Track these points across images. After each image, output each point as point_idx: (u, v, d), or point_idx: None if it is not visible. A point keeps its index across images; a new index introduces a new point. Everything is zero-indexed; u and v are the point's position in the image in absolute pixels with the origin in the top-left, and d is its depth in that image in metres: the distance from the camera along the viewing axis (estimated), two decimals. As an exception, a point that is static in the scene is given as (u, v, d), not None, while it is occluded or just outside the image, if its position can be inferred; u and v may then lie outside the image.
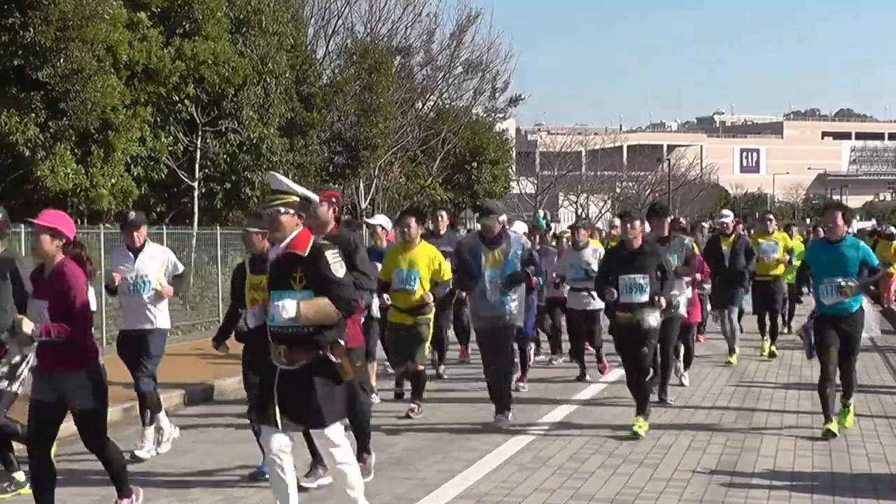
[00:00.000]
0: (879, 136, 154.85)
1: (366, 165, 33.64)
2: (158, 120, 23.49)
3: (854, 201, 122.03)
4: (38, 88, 20.03)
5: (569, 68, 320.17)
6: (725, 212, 18.31)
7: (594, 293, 13.09)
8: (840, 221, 10.58)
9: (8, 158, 20.29)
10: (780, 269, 17.13)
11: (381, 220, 13.62)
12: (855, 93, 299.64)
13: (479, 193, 42.88)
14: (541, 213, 45.32)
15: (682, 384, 13.79)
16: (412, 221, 11.56)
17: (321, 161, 31.98)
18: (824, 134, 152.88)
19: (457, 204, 42.34)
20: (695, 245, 13.98)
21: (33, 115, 19.83)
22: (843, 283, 10.25)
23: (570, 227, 16.21)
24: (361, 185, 36.24)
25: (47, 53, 19.77)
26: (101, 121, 20.69)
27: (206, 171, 25.38)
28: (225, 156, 25.28)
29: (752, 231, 21.92)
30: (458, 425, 11.22)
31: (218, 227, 23.10)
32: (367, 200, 36.74)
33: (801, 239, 26.89)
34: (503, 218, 11.53)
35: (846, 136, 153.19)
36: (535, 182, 64.72)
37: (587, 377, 14.50)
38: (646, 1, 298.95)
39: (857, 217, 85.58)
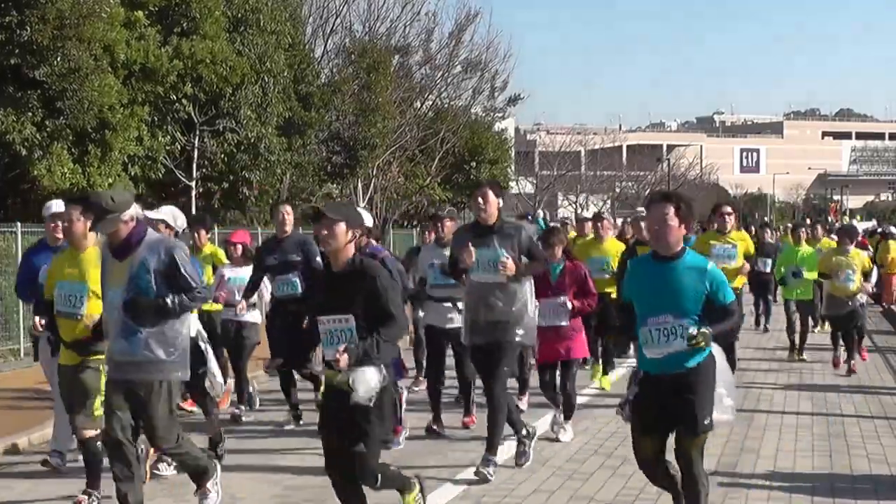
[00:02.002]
0: (880, 136, 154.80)
1: (364, 165, 33.61)
2: (156, 119, 23.47)
3: (854, 201, 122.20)
4: (35, 87, 20.01)
5: (568, 68, 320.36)
6: (642, 208, 14.22)
7: None
8: (673, 219, 6.68)
9: (5, 157, 20.28)
10: (740, 281, 13.02)
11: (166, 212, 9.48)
12: (855, 93, 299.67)
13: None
14: (540, 213, 45.29)
15: (557, 439, 10.65)
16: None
17: (319, 161, 31.95)
18: (824, 134, 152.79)
19: (455, 204, 42.31)
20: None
21: (30, 113, 19.82)
22: (693, 332, 6.55)
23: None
24: (360, 185, 36.20)
25: (44, 52, 19.76)
26: (99, 120, 20.67)
27: (204, 170, 25.35)
28: (222, 155, 25.27)
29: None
30: (458, 426, 11.15)
31: (216, 227, 23.05)
32: (366, 200, 36.69)
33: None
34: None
35: (846, 135, 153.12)
36: (535, 182, 64.72)
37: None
38: (646, 1, 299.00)
39: (858, 217, 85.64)
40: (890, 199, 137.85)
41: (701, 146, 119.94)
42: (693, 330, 6.59)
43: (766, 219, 64.78)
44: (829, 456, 9.81)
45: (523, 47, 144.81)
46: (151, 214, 8.81)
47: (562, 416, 10.70)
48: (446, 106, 41.40)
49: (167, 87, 23.31)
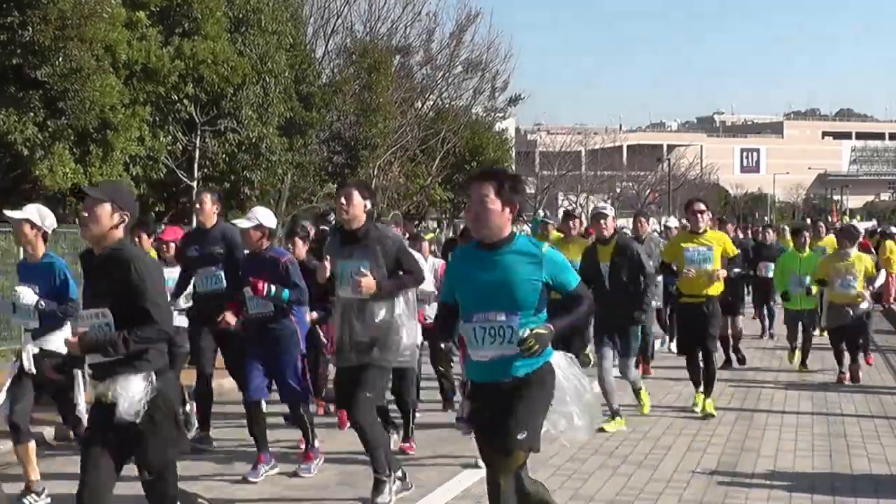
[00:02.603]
0: (880, 136, 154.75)
1: (365, 165, 33.60)
2: (157, 119, 23.46)
3: (854, 201, 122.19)
4: (37, 87, 20.01)
5: (568, 68, 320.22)
6: (603, 203, 12.82)
7: None
8: (494, 201, 5.74)
9: (6, 157, 20.28)
10: (717, 289, 11.86)
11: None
12: (855, 93, 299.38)
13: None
14: (541, 213, 45.22)
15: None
16: None
17: (320, 161, 31.95)
18: (824, 134, 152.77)
19: (456, 204, 42.32)
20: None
21: (32, 114, 19.81)
22: (524, 333, 5.55)
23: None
24: (361, 185, 36.17)
25: (46, 52, 19.75)
26: (100, 120, 20.66)
27: (205, 170, 25.35)
28: (224, 155, 25.26)
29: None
30: (456, 427, 11.16)
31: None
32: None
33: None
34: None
35: (846, 135, 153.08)
36: (535, 182, 64.71)
37: None
38: (646, 0, 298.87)
39: (858, 217, 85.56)
40: (890, 199, 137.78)
41: (701, 146, 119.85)
42: (524, 331, 5.55)
43: (766, 219, 64.67)
44: (830, 455, 9.83)
45: (524, 47, 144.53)
46: (15, 214, 8.31)
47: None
48: (447, 106, 41.39)
49: (169, 87, 23.30)
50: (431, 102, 41.35)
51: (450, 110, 41.00)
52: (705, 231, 11.95)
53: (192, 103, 23.99)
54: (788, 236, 18.70)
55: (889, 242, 22.88)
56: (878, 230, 29.95)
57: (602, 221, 11.25)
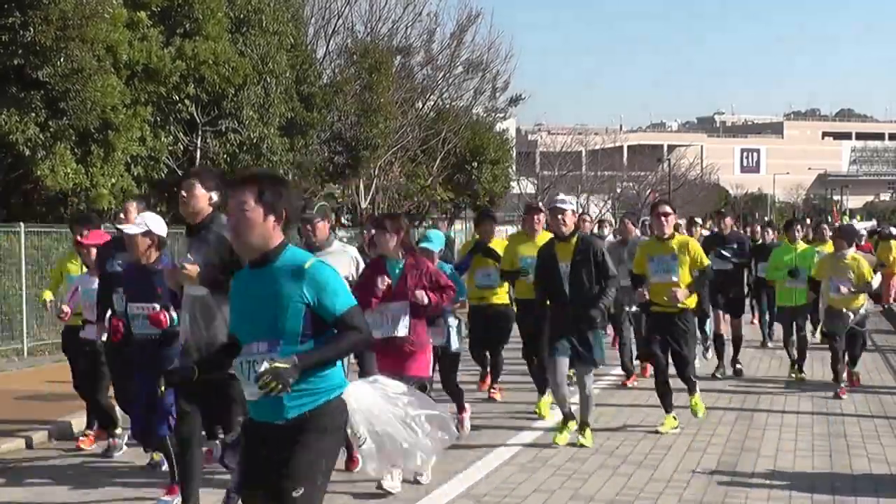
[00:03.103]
0: (880, 137, 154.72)
1: (366, 165, 33.62)
2: (158, 119, 23.48)
3: (854, 201, 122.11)
4: (38, 88, 20.01)
5: (569, 68, 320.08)
6: (562, 196, 11.02)
7: None
8: (254, 209, 4.94)
9: (8, 158, 20.29)
10: (691, 301, 10.95)
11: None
12: (855, 93, 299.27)
13: (479, 193, 42.86)
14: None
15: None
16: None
17: (321, 161, 31.96)
18: (825, 134, 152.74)
19: (457, 204, 42.33)
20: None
21: (33, 114, 19.82)
22: (264, 367, 4.69)
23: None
24: (361, 185, 36.22)
25: (47, 53, 19.75)
26: (101, 120, 20.68)
27: (206, 170, 25.35)
28: (225, 155, 25.27)
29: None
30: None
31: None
32: (368, 200, 36.71)
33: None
34: None
35: (846, 136, 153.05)
36: (536, 182, 64.71)
37: None
38: (647, 0, 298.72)
39: (858, 217, 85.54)
40: (890, 199, 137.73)
41: (701, 146, 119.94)
42: (264, 365, 4.69)
43: (767, 218, 64.58)
44: (829, 455, 9.84)
45: (524, 48, 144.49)
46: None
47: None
48: (448, 106, 41.38)
49: (170, 87, 23.32)
50: (432, 103, 41.34)
51: (450, 111, 41.00)
52: (672, 236, 10.90)
53: (194, 104, 24.01)
54: (785, 233, 18.32)
55: (892, 242, 22.85)
56: (878, 231, 29.91)
57: (559, 216, 10.09)
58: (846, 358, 13.63)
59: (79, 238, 10.25)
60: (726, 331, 15.36)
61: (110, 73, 21.05)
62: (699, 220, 17.65)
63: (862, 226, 34.48)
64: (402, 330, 8.64)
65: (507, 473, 9.14)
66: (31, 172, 20.22)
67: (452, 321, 10.10)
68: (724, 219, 15.82)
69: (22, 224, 18.47)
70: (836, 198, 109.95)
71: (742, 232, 19.99)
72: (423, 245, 9.90)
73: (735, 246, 15.25)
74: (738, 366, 15.27)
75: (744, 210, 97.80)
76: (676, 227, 11.56)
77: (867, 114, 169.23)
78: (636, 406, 12.45)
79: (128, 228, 8.16)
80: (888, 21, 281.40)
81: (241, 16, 25.91)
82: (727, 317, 15.33)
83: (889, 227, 26.21)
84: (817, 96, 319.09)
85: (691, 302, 10.90)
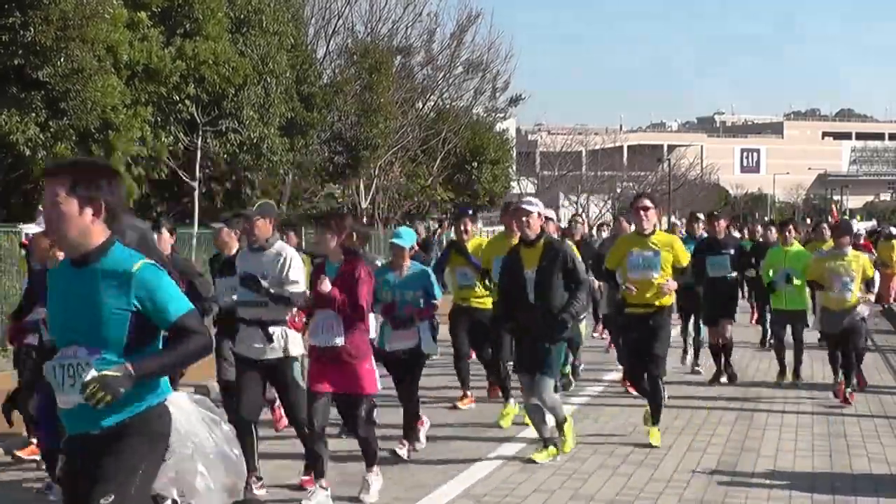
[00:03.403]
0: (880, 137, 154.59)
1: (366, 165, 33.64)
2: (159, 120, 23.49)
3: (854, 202, 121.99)
4: (39, 88, 20.03)
5: (569, 68, 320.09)
6: (529, 198, 10.34)
7: None
8: (68, 201, 4.46)
9: (8, 158, 20.31)
10: (668, 300, 10.39)
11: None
12: (855, 93, 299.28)
13: (479, 193, 42.87)
14: (551, 216, 45.23)
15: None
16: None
17: (321, 161, 31.99)
18: (825, 134, 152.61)
19: (457, 204, 42.34)
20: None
21: (33, 114, 19.83)
22: (89, 377, 4.34)
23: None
24: (362, 185, 36.22)
25: (48, 53, 19.77)
26: (102, 120, 20.69)
27: (207, 170, 25.39)
28: (225, 155, 25.29)
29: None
30: (458, 426, 11.18)
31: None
32: (368, 200, 36.71)
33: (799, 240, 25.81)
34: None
35: (846, 136, 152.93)
36: (536, 182, 64.75)
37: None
38: (647, 0, 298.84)
39: (858, 217, 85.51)
40: (890, 199, 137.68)
41: (701, 146, 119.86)
42: (89, 374, 4.34)
43: (767, 218, 64.18)
44: (830, 455, 9.81)
45: (525, 48, 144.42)
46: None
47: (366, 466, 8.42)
48: (448, 106, 41.41)
49: (170, 87, 23.34)
50: (432, 103, 41.38)
51: (451, 111, 41.03)
52: (653, 232, 10.25)
53: (194, 104, 24.02)
54: (778, 233, 17.79)
55: (893, 242, 22.79)
56: (878, 230, 29.87)
57: (524, 219, 9.31)
58: (854, 359, 12.81)
59: (24, 240, 9.98)
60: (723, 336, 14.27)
61: (110, 73, 21.07)
62: (701, 216, 16.20)
63: (862, 226, 34.32)
64: (338, 339, 8.01)
65: (506, 473, 9.11)
66: (32, 172, 20.22)
67: (425, 324, 9.70)
68: (718, 221, 14.59)
69: (22, 224, 18.46)
70: (836, 198, 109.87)
71: (737, 235, 19.41)
72: (393, 241, 9.82)
73: (732, 252, 14.35)
74: (730, 370, 14.30)
75: (744, 210, 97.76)
76: (673, 227, 11.45)
77: (867, 114, 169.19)
78: (636, 406, 12.43)
79: (29, 227, 7.84)
80: (889, 21, 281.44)
81: (242, 16, 25.93)
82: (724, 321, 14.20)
83: (889, 227, 26.18)
84: (817, 96, 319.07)
85: (667, 300, 10.28)
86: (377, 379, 8.29)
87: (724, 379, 14.18)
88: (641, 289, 10.12)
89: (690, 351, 15.27)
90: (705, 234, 15.31)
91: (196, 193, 25.07)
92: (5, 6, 19.61)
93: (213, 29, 24.12)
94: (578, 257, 9.75)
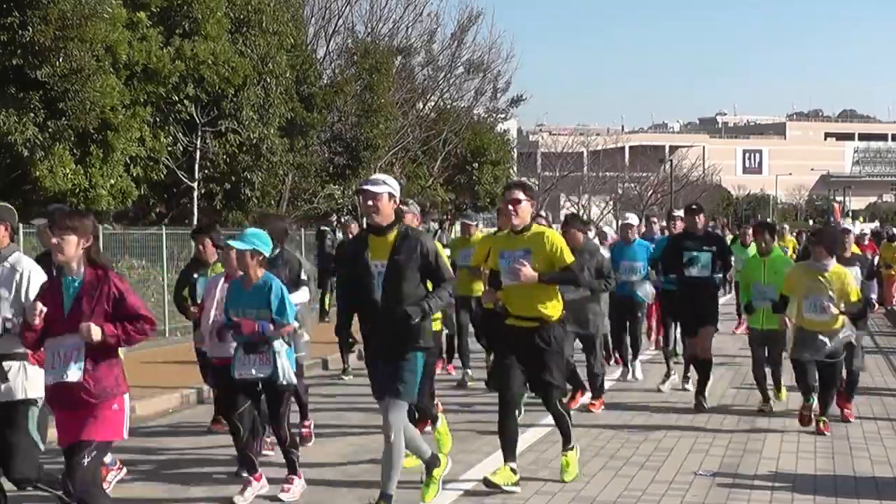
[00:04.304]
0: (883, 137, 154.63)
1: (366, 166, 33.57)
2: (158, 120, 23.47)
3: (857, 203, 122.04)
4: (37, 88, 20.00)
5: (570, 68, 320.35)
6: (378, 175, 8.38)
7: None
8: None
9: (6, 158, 20.28)
10: (555, 308, 8.62)
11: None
12: (858, 94, 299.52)
13: (479, 194, 42.84)
14: (542, 214, 45.21)
15: None
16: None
17: (321, 162, 31.93)
18: (827, 135, 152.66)
19: (458, 205, 42.29)
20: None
21: (32, 114, 19.81)
22: None
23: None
24: (362, 186, 36.15)
25: (46, 53, 19.75)
26: (101, 121, 20.67)
27: (206, 171, 25.34)
28: (224, 156, 25.25)
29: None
30: (458, 427, 11.12)
31: (217, 228, 23.04)
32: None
33: (793, 244, 25.44)
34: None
35: (849, 136, 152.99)
36: (537, 183, 64.62)
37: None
38: (648, 1, 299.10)
39: (861, 218, 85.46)
40: (893, 200, 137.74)
41: (703, 147, 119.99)
42: None
43: (768, 220, 63.66)
44: (832, 457, 9.77)
45: (526, 48, 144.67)
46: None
47: None
48: (448, 107, 41.38)
49: (169, 87, 23.31)
50: (433, 103, 41.35)
51: (451, 111, 41.00)
52: (528, 227, 8.47)
53: (193, 104, 23.99)
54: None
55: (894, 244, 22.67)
56: (880, 232, 29.65)
57: (371, 202, 7.57)
58: (821, 395, 10.94)
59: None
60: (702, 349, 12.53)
61: (109, 73, 21.04)
62: (679, 213, 14.19)
63: (865, 227, 34.12)
64: (73, 373, 6.33)
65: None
66: (30, 173, 20.21)
67: (280, 346, 8.16)
68: (698, 215, 12.58)
69: (21, 225, 18.38)
70: (838, 199, 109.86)
71: (720, 231, 17.84)
72: (230, 243, 8.23)
73: (714, 250, 12.45)
74: (701, 397, 12.37)
75: (746, 211, 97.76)
76: (659, 227, 10.93)
77: (870, 114, 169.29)
78: (638, 410, 12.37)
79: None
80: (891, 21, 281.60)
81: (241, 16, 25.90)
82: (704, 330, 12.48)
83: (892, 229, 26.09)
84: (820, 97, 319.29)
85: (554, 311, 8.58)
86: (124, 425, 6.58)
87: (712, 403, 12.57)
88: (517, 298, 8.45)
89: (674, 374, 13.88)
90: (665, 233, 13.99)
91: (195, 194, 25.03)
92: (3, 6, 19.59)
93: (212, 29, 24.08)
94: (442, 251, 8.33)
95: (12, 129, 19.47)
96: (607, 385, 13.30)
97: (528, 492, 8.52)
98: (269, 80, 25.86)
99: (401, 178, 37.61)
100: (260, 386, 8.24)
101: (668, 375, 13.86)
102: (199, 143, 24.67)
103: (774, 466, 9.42)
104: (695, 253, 12.32)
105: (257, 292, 8.07)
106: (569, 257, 8.52)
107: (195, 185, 24.88)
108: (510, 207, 8.52)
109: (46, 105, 20.12)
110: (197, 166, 24.87)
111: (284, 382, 8.16)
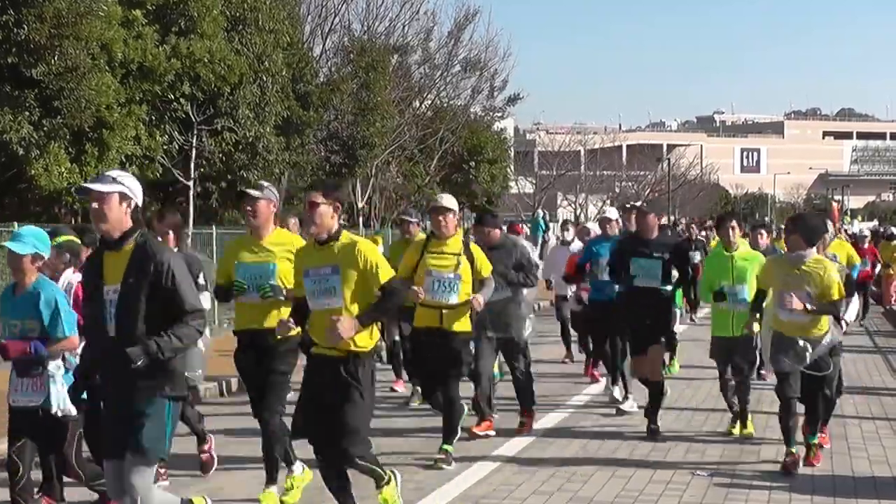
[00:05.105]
0: (881, 136, 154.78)
1: (363, 165, 33.55)
2: (153, 118, 23.41)
3: (856, 202, 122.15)
4: (32, 86, 19.97)
5: (568, 67, 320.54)
6: (113, 173, 6.79)
7: None
8: None
9: (1, 157, 20.24)
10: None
11: None
12: (856, 92, 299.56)
13: (476, 193, 42.81)
14: (539, 212, 45.15)
15: None
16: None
17: (317, 160, 31.87)
18: (825, 133, 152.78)
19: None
20: None
21: (27, 113, 19.77)
22: None
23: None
24: (358, 185, 36.13)
25: (41, 51, 19.72)
26: (96, 119, 20.63)
27: (202, 170, 25.28)
28: (220, 155, 25.19)
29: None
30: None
31: (214, 227, 22.98)
32: (364, 200, 36.63)
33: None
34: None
35: (847, 135, 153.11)
36: (534, 182, 64.59)
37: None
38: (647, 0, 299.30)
39: (859, 217, 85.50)
40: (891, 199, 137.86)
41: (701, 146, 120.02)
42: None
43: (765, 219, 62.83)
44: (830, 457, 9.72)
45: (523, 46, 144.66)
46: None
47: None
48: (445, 105, 41.37)
49: (165, 86, 23.25)
50: (429, 102, 41.34)
51: (448, 109, 40.99)
52: (333, 239, 7.01)
53: (189, 102, 23.94)
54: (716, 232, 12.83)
55: (894, 243, 22.48)
56: (876, 231, 29.46)
57: (94, 205, 6.00)
58: (822, 407, 9.55)
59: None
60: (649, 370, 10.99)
61: (105, 71, 20.99)
62: (639, 204, 12.71)
63: (864, 226, 33.82)
64: None
65: (505, 475, 9.04)
66: (25, 171, 20.17)
67: (56, 369, 7.05)
68: (647, 216, 11.08)
69: (16, 224, 18.35)
70: (836, 198, 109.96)
71: (681, 235, 15.59)
72: (7, 245, 7.03)
73: (664, 257, 10.82)
74: (653, 426, 10.70)
75: (744, 210, 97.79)
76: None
77: (868, 113, 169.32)
78: (635, 409, 12.32)
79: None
80: (890, 20, 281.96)
81: (237, 14, 25.85)
82: (657, 348, 10.99)
83: (891, 228, 25.98)
84: (818, 95, 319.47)
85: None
86: None
87: (628, 405, 11.75)
88: (323, 323, 6.93)
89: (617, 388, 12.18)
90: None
91: (191, 193, 24.97)
92: (-1, 4, 19.55)
93: (208, 27, 24.03)
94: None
95: (7, 127, 19.43)
96: (603, 384, 13.24)
97: (525, 491, 8.50)
98: (265, 78, 25.81)
99: (397, 176, 37.58)
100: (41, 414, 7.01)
101: (626, 394, 12.04)
102: (194, 141, 24.62)
103: (772, 467, 9.37)
104: (641, 260, 10.76)
105: (25, 301, 6.92)
106: (385, 275, 6.95)
107: (191, 183, 24.83)
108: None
109: (42, 103, 20.08)
110: (193, 165, 24.81)
111: (59, 413, 6.97)
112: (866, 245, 20.94)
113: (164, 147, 23.79)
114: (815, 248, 9.06)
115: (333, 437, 6.89)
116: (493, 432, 10.51)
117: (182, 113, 24.06)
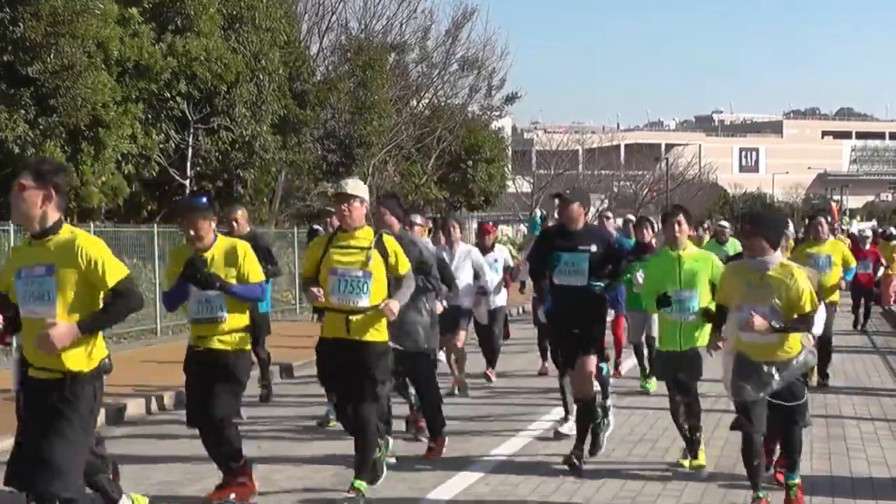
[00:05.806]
0: (880, 136, 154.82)
1: (360, 164, 33.46)
2: (150, 117, 23.35)
3: (855, 201, 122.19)
4: (28, 84, 19.92)
5: (566, 65, 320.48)
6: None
7: None
8: None
9: (-4, 156, 20.17)
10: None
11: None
12: (855, 91, 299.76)
13: (474, 192, 42.77)
14: (538, 212, 45.08)
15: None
16: None
17: (314, 159, 31.82)
18: (824, 133, 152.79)
19: (452, 203, 42.21)
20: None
21: (23, 111, 19.73)
22: None
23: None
24: (357, 184, 36.04)
25: (37, 49, 19.67)
26: (92, 117, 20.57)
27: (198, 168, 25.23)
28: (217, 153, 25.14)
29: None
30: (456, 427, 11.00)
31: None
32: (362, 199, 36.49)
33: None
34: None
35: (847, 135, 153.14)
36: (532, 181, 64.58)
37: None
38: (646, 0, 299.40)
39: (858, 217, 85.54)
40: (890, 199, 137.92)
41: (700, 145, 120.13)
42: None
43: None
44: (829, 458, 9.70)
45: (521, 45, 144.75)
46: None
47: None
48: (443, 104, 41.31)
49: (161, 84, 23.18)
50: (427, 100, 41.29)
51: (445, 108, 40.93)
52: (51, 232, 6.04)
53: (185, 101, 23.89)
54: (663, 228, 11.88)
55: (894, 243, 22.31)
56: (875, 231, 29.33)
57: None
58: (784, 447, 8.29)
59: None
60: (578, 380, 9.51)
61: (101, 69, 20.93)
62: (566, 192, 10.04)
63: (864, 226, 33.53)
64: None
65: (504, 475, 9.04)
66: (21, 170, 20.05)
67: None
68: (570, 206, 9.74)
69: (11, 224, 18.29)
70: (836, 198, 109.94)
71: (618, 229, 14.24)
72: None
73: (591, 250, 9.27)
74: (573, 459, 9.16)
75: (742, 209, 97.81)
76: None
77: (867, 113, 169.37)
78: (633, 408, 12.31)
79: None
80: (889, 20, 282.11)
81: (234, 12, 25.80)
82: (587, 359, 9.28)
83: (890, 228, 25.88)
84: (817, 95, 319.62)
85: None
86: None
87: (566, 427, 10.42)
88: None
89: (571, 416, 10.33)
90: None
91: (187, 192, 24.90)
92: (-6, 2, 19.50)
93: (204, 25, 23.97)
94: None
95: (3, 125, 19.37)
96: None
97: (524, 491, 8.50)
98: (261, 76, 25.75)
99: (394, 175, 37.52)
100: None
101: (566, 415, 10.59)
102: (191, 140, 24.56)
103: (770, 467, 9.31)
104: (564, 254, 9.29)
105: None
106: (113, 278, 5.90)
107: (187, 182, 24.77)
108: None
109: (37, 102, 20.02)
110: (189, 164, 24.76)
111: None
112: (868, 246, 20.20)
113: (161, 146, 23.72)
114: (779, 252, 7.62)
115: (34, 475, 5.70)
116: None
117: (178, 111, 24.00)
